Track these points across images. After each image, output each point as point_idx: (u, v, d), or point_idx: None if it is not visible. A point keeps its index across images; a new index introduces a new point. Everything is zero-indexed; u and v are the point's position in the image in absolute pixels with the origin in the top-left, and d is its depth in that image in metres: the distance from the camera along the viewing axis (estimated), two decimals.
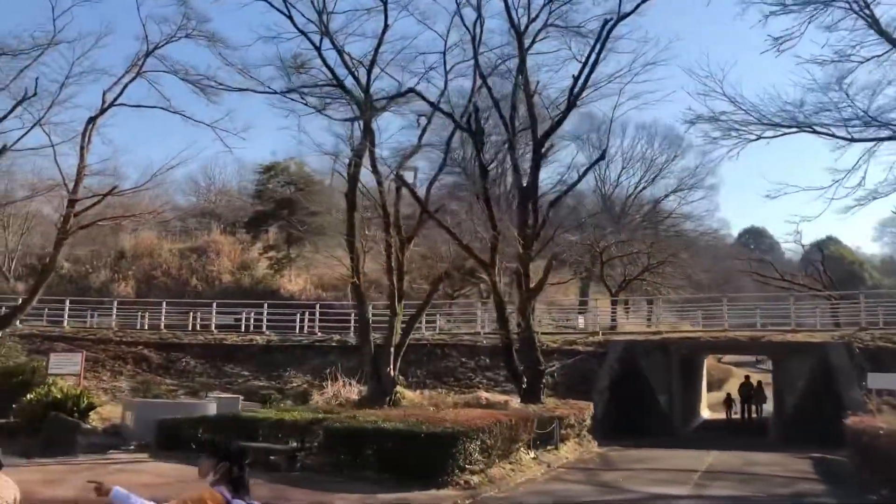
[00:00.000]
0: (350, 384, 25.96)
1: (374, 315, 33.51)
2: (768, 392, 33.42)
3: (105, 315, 37.08)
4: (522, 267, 22.74)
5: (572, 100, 22.81)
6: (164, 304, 34.34)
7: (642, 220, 55.20)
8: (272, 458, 15.22)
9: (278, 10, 22.87)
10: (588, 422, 22.30)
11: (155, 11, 30.21)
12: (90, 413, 22.75)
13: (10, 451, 20.94)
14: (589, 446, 21.94)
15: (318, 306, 32.95)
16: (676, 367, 26.97)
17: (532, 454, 17.98)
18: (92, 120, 29.94)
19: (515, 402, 22.84)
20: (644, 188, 58.92)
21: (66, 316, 33.81)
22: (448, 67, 25.23)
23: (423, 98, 22.63)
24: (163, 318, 33.77)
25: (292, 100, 26.62)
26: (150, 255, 51.65)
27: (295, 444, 15.56)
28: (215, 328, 33.11)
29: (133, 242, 53.40)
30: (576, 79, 21.56)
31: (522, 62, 23.58)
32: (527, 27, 23.82)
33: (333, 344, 30.01)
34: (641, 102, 23.35)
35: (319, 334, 31.77)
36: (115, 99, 30.35)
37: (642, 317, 37.49)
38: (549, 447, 19.16)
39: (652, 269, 35.53)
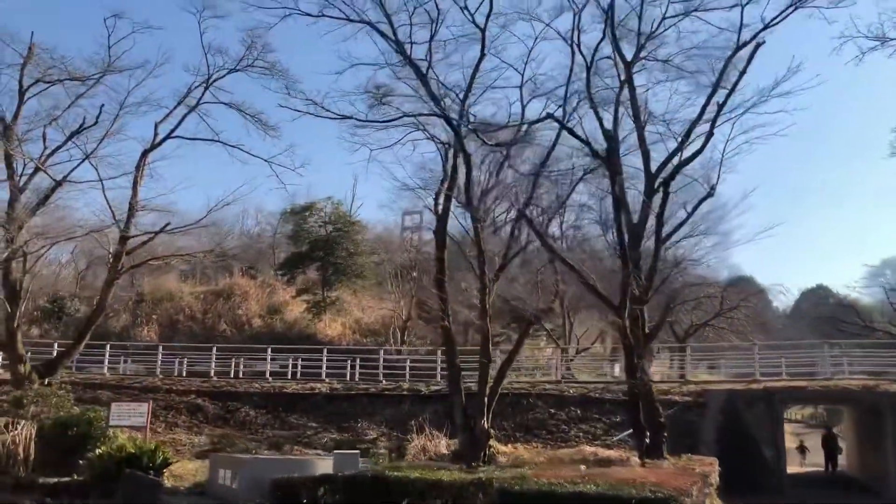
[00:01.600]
0: (435, 436, 23.96)
1: (424, 362, 31.63)
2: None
3: (139, 361, 34.82)
4: (639, 309, 21.06)
5: (687, 134, 21.50)
6: (214, 349, 32.10)
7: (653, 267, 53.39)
8: None
9: (386, 36, 21.57)
10: (717, 479, 20.40)
11: (214, 42, 28.49)
12: (163, 470, 20.54)
13: None
14: None
15: (381, 353, 30.92)
16: (782, 418, 25.19)
17: None
18: (146, 153, 28.33)
19: (634, 457, 20.98)
20: (653, 234, 55.83)
21: (106, 362, 31.49)
22: (525, 101, 24.15)
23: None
24: (213, 364, 31.47)
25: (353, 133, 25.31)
26: (170, 299, 49.34)
27: None
28: (270, 375, 30.90)
29: (152, 286, 51.09)
30: (716, 107, 20.19)
31: (632, 91, 22.31)
32: (635, 57, 22.63)
33: (405, 392, 27.90)
34: (754, 136, 22.19)
35: (385, 382, 29.66)
36: (172, 131, 28.82)
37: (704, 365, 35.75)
38: None
39: (723, 314, 33.88)
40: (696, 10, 22.44)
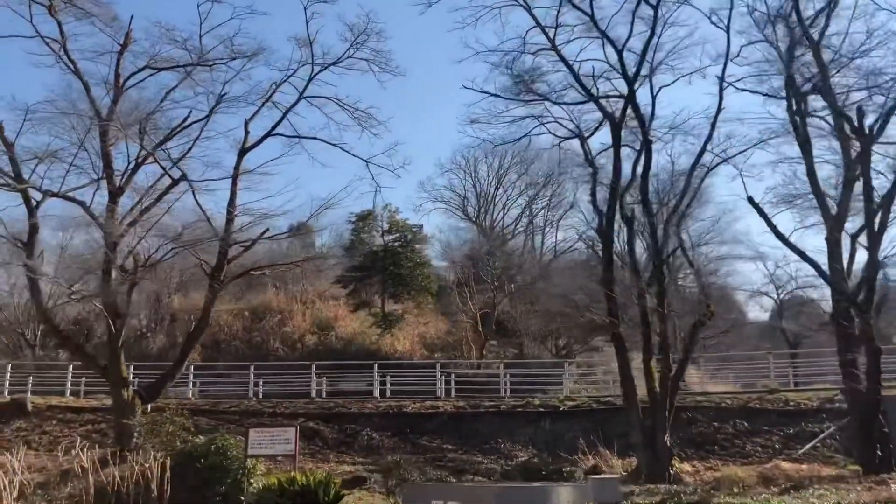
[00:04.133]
0: (606, 456, 21.64)
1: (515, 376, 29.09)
2: None
3: (210, 383, 31.74)
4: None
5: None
6: (314, 366, 29.25)
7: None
8: None
9: (581, 10, 19.47)
10: None
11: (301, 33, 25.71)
12: None
13: None
14: None
15: (501, 366, 28.40)
16: None
17: None
18: (242, 153, 25.60)
19: (847, 472, 19.03)
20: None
21: (190, 385, 28.46)
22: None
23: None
24: (313, 384, 28.70)
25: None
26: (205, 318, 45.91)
27: None
28: (379, 395, 28.19)
29: (181, 305, 47.55)
30: None
31: (823, 74, 20.57)
32: (821, 37, 20.94)
33: (540, 409, 25.45)
34: None
35: (508, 399, 27.20)
36: (274, 128, 26.12)
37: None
38: None
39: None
40: None
